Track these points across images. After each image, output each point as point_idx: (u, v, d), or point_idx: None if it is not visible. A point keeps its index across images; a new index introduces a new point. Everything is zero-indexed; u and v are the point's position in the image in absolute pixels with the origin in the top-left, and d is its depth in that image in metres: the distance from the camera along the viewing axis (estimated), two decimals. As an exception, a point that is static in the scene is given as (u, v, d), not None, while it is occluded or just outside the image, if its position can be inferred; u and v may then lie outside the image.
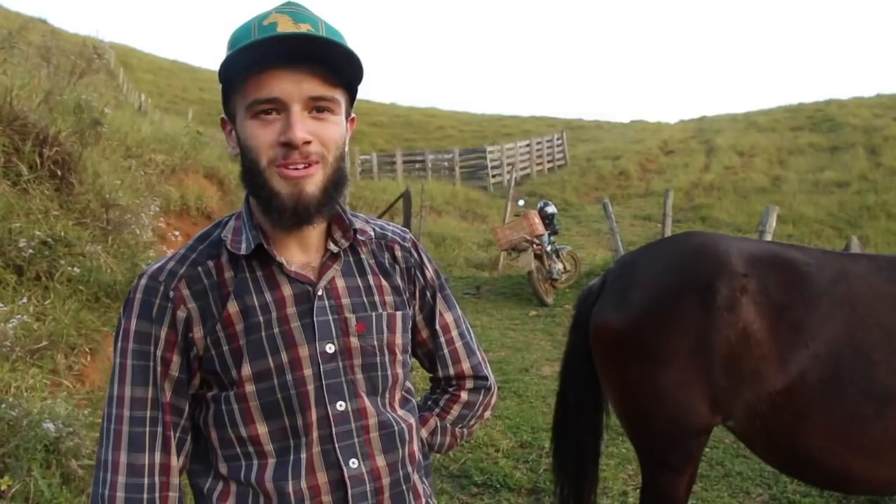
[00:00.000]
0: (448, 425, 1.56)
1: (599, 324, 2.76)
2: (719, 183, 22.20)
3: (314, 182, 1.23)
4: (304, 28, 1.18)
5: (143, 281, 1.27)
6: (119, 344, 1.26)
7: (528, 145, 26.19)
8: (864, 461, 2.46)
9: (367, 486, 1.28)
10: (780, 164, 23.79)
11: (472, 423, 1.60)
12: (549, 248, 11.06)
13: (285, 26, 1.18)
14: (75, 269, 4.54)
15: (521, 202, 13.49)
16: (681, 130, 32.32)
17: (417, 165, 25.26)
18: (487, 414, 1.63)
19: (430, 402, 1.57)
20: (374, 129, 35.55)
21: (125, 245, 5.39)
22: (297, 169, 1.21)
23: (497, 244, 11.87)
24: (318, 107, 1.22)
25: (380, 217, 1.34)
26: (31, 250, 4.32)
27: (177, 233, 6.94)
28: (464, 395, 1.56)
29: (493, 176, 24.32)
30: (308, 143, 1.20)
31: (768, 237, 6.75)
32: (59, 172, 5.23)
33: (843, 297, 2.53)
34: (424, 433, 1.52)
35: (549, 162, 26.95)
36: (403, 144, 31.52)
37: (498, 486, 4.34)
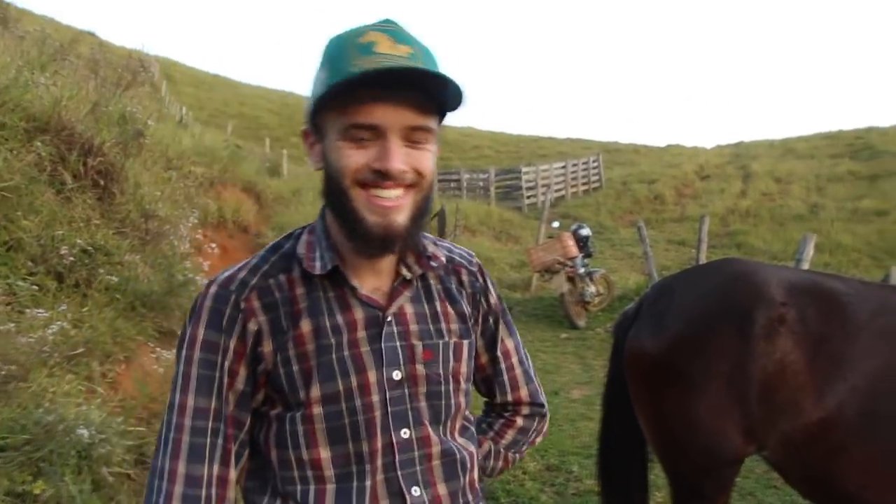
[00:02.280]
0: (502, 450, 1.56)
1: (634, 349, 2.74)
2: (755, 209, 21.94)
3: (403, 212, 1.20)
4: (403, 49, 1.15)
5: (213, 289, 1.25)
6: (184, 351, 1.23)
7: (563, 167, 26.10)
8: (901, 499, 2.40)
9: None
10: (818, 191, 23.46)
11: (523, 447, 1.59)
12: (581, 271, 11.00)
13: (385, 47, 1.14)
14: (113, 277, 4.61)
15: (555, 224, 13.45)
16: (717, 155, 32.05)
17: (452, 184, 25.27)
18: (539, 439, 1.62)
19: (484, 426, 1.57)
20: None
21: (162, 255, 5.47)
22: (389, 197, 1.18)
23: (530, 265, 11.84)
24: (414, 137, 1.19)
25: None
26: (71, 258, 4.39)
27: (213, 245, 7.02)
28: (519, 421, 1.56)
29: (528, 197, 24.26)
30: (404, 172, 1.17)
31: (805, 265, 6.66)
32: (102, 182, 5.32)
33: (883, 329, 2.49)
34: (479, 457, 1.49)
35: (584, 184, 26.84)
36: (439, 163, 31.22)
37: (525, 508, 4.30)
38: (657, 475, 4.59)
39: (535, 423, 1.58)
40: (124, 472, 3.27)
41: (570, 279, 10.68)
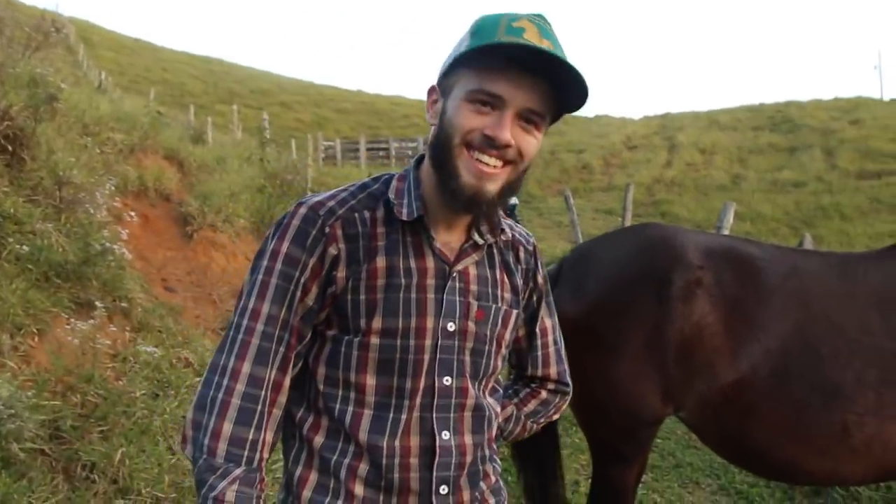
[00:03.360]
0: (522, 417, 1.65)
1: (554, 313, 2.76)
2: (680, 179, 22.46)
3: (496, 182, 1.29)
4: (546, 44, 1.22)
5: (303, 210, 1.34)
6: (265, 261, 1.32)
7: (493, 136, 26.17)
8: (810, 453, 2.50)
9: (453, 458, 1.35)
10: (740, 162, 24.12)
11: (542, 420, 1.69)
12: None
13: (531, 36, 1.22)
14: (24, 247, 4.42)
15: (483, 192, 13.50)
16: (644, 126, 32.59)
17: (381, 153, 25.15)
18: (557, 416, 1.74)
19: (510, 392, 1.66)
20: (338, 116, 35.35)
21: (78, 224, 5.26)
22: (488, 164, 1.27)
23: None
24: (529, 118, 1.28)
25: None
26: (-22, 227, 4.19)
27: (133, 213, 6.79)
28: (544, 394, 1.66)
29: (458, 166, 24.28)
30: (509, 146, 1.26)
31: (725, 233, 6.84)
32: (11, 148, 5.08)
33: (794, 292, 2.57)
34: (500, 419, 1.59)
35: (513, 153, 27.00)
36: (368, 132, 31.36)
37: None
38: (581, 439, 4.69)
39: (557, 399, 1.69)
40: (37, 447, 3.16)
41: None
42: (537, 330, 1.61)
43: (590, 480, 2.88)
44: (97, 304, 4.39)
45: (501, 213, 1.50)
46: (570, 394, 1.71)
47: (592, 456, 2.85)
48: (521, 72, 1.24)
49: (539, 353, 1.62)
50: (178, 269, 7.40)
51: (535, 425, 1.69)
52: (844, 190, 19.22)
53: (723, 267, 2.60)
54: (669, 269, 2.57)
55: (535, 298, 1.58)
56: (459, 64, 1.29)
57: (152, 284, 6.37)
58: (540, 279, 1.58)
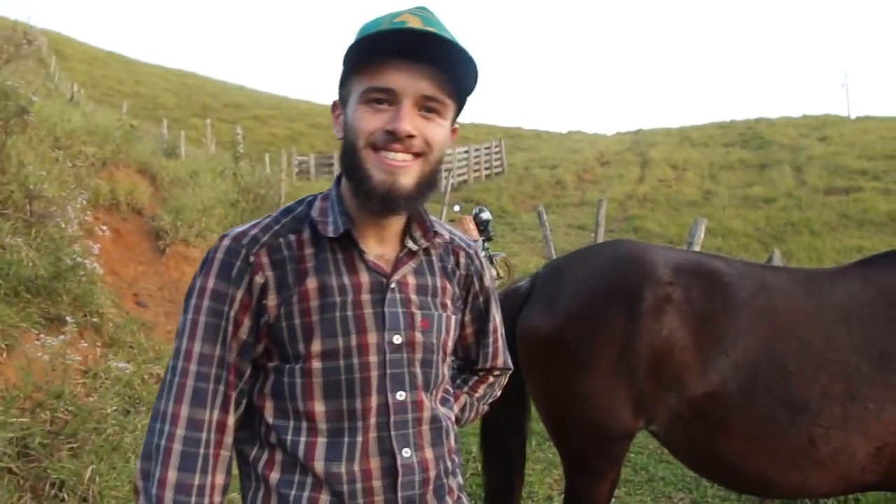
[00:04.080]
0: (475, 402, 1.70)
1: (527, 328, 2.79)
2: (653, 195, 22.66)
3: (410, 175, 1.27)
4: (430, 29, 1.22)
5: (226, 242, 1.31)
6: (193, 300, 1.29)
7: (466, 152, 26.31)
8: (778, 466, 2.53)
9: (416, 476, 1.32)
10: (711, 178, 24.40)
11: (489, 399, 1.74)
12: (482, 254, 11.11)
13: (414, 23, 1.22)
14: (-7, 261, 4.38)
15: (456, 207, 13.56)
16: (617, 142, 32.90)
17: (356, 168, 25.08)
18: (500, 391, 1.77)
19: (458, 381, 1.68)
20: (313, 131, 35.26)
21: (49, 238, 5.21)
22: (395, 159, 1.25)
23: (432, 249, 11.87)
24: (428, 107, 1.27)
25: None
26: (-54, 241, 4.14)
27: (104, 227, 6.74)
28: (491, 378, 1.70)
29: (432, 181, 24.34)
30: (412, 136, 1.24)
31: (696, 248, 6.91)
32: (-20, 161, 5.04)
33: (762, 308, 2.61)
34: (456, 409, 1.60)
35: (486, 169, 27.14)
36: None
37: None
38: (554, 454, 4.71)
39: (501, 379, 1.74)
40: (4, 466, 3.12)
41: (472, 262, 10.78)
42: (489, 328, 1.62)
43: (563, 495, 2.90)
44: (68, 319, 4.35)
45: (438, 220, 1.51)
46: (511, 370, 1.74)
47: (565, 470, 2.87)
48: (409, 61, 1.23)
49: (490, 349, 1.64)
50: (150, 284, 7.35)
51: (485, 406, 1.74)
52: (813, 206, 19.52)
53: (692, 283, 2.64)
54: (640, 286, 2.60)
55: (481, 300, 1.58)
56: (350, 71, 1.29)
57: (124, 299, 6.32)
58: (486, 281, 1.58)
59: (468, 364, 1.68)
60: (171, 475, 1.23)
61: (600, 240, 10.18)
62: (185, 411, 1.25)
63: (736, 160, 25.90)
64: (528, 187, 25.26)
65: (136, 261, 7.50)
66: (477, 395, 1.69)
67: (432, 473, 1.35)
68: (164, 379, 1.30)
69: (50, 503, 3.14)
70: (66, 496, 3.18)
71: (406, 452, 1.31)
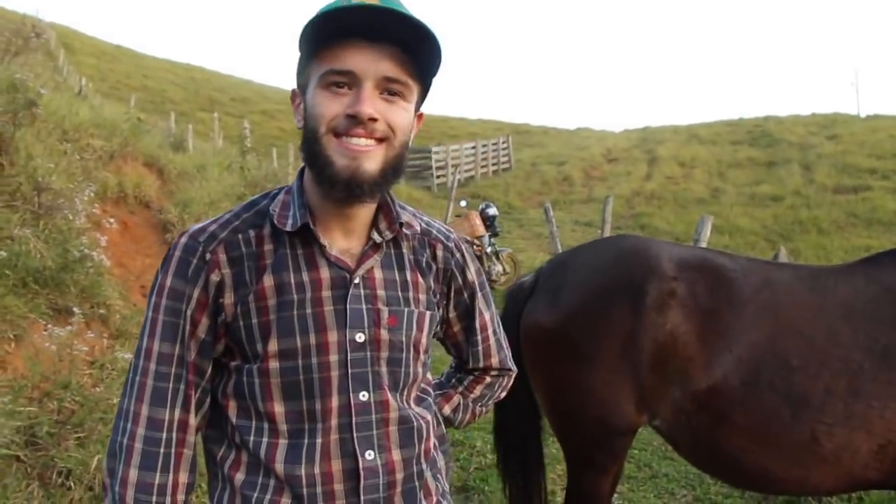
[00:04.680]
0: (470, 403, 1.63)
1: (530, 323, 2.80)
2: (660, 192, 22.60)
3: (374, 159, 1.22)
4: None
5: (183, 239, 1.28)
6: (153, 298, 1.27)
7: (473, 147, 26.30)
8: (781, 462, 2.54)
9: (381, 478, 1.28)
10: (719, 176, 24.31)
11: (489, 402, 1.67)
12: (489, 250, 11.15)
13: (372, 2, 1.17)
14: (2, 252, 4.39)
15: (462, 203, 13.57)
16: (625, 139, 32.82)
17: (363, 163, 25.09)
18: (504, 394, 1.69)
19: (453, 381, 1.64)
20: (320, 125, 35.21)
21: (57, 230, 5.22)
22: (358, 144, 1.20)
23: (438, 244, 11.88)
24: (390, 89, 1.22)
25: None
26: (-45, 232, 4.16)
27: (112, 220, 6.75)
28: (488, 379, 1.63)
29: (438, 177, 24.35)
30: (374, 120, 1.19)
31: (703, 246, 6.90)
32: (-11, 153, 5.06)
33: (766, 304, 2.61)
34: (448, 409, 1.59)
35: (493, 165, 27.12)
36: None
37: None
38: (558, 449, 4.71)
39: (502, 380, 1.66)
40: (12, 454, 3.14)
41: (478, 258, 10.77)
42: (476, 325, 1.54)
43: (565, 490, 2.91)
44: (75, 310, 4.37)
45: (416, 211, 1.47)
46: (515, 371, 1.66)
47: (568, 465, 2.88)
48: (369, 41, 1.18)
49: (480, 347, 1.56)
50: (157, 277, 7.34)
51: (483, 409, 1.66)
52: (821, 204, 19.43)
53: (696, 278, 2.64)
54: (644, 280, 2.61)
55: (465, 295, 1.51)
56: (307, 55, 1.24)
57: (131, 291, 6.34)
58: (470, 276, 1.50)
59: (461, 363, 1.62)
60: (133, 474, 1.22)
61: (606, 236, 10.16)
62: (145, 410, 1.24)
63: (744, 158, 25.81)
64: (535, 183, 25.23)
65: (143, 253, 7.51)
66: (473, 395, 1.62)
67: (399, 476, 1.30)
68: (127, 377, 1.28)
69: (57, 492, 3.17)
70: (72, 485, 3.20)
71: (369, 454, 1.27)
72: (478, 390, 1.63)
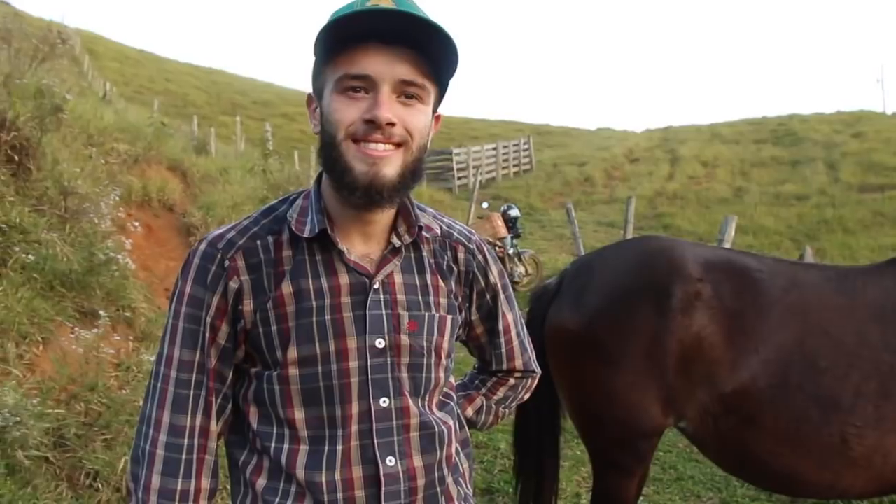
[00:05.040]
0: (493, 405, 1.61)
1: (555, 324, 2.78)
2: (682, 192, 22.44)
3: (392, 165, 1.20)
4: (403, 8, 1.16)
5: (202, 246, 1.28)
6: (173, 305, 1.27)
7: (494, 149, 26.28)
8: (810, 465, 2.51)
9: (402, 485, 1.27)
10: (742, 175, 24.11)
11: (512, 404, 1.65)
12: (511, 251, 11.13)
13: (386, 3, 1.16)
14: (30, 256, 4.45)
15: (484, 204, 13.56)
16: (646, 139, 32.64)
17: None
18: (528, 395, 1.68)
19: (476, 382, 1.62)
20: (342, 127, 35.35)
21: (83, 234, 5.28)
22: (377, 149, 1.19)
23: (460, 245, 11.88)
24: (407, 92, 1.21)
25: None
26: (-16, 236, 4.21)
27: (136, 223, 6.81)
28: (511, 381, 1.61)
29: (459, 178, 24.34)
30: (392, 124, 1.18)
31: (727, 246, 6.84)
32: (17, 158, 5.10)
33: (793, 305, 2.59)
34: (470, 411, 1.57)
35: (515, 166, 27.07)
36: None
37: (453, 485, 4.34)
38: (583, 451, 4.69)
39: (526, 381, 1.64)
40: (41, 455, 3.18)
41: (500, 259, 10.77)
42: (499, 328, 1.52)
43: (591, 493, 2.89)
44: (101, 313, 4.41)
45: (437, 212, 1.46)
46: (539, 373, 1.65)
47: (593, 468, 2.87)
48: (385, 45, 1.17)
49: (503, 349, 1.55)
50: (182, 280, 7.39)
51: (506, 410, 1.64)
52: (847, 203, 19.20)
53: (722, 279, 2.62)
54: (669, 282, 2.59)
55: (488, 297, 1.49)
56: (322, 60, 1.23)
57: (155, 294, 6.39)
58: (492, 277, 1.48)
59: (485, 366, 1.61)
60: (156, 480, 1.23)
61: (629, 237, 10.11)
62: (167, 417, 1.24)
63: (768, 157, 25.58)
64: (556, 184, 25.14)
65: (167, 256, 7.58)
66: (496, 397, 1.61)
67: (420, 482, 1.29)
68: (148, 383, 1.28)
69: (85, 493, 3.20)
70: (100, 486, 3.24)
71: (390, 461, 1.26)
72: (501, 392, 1.61)
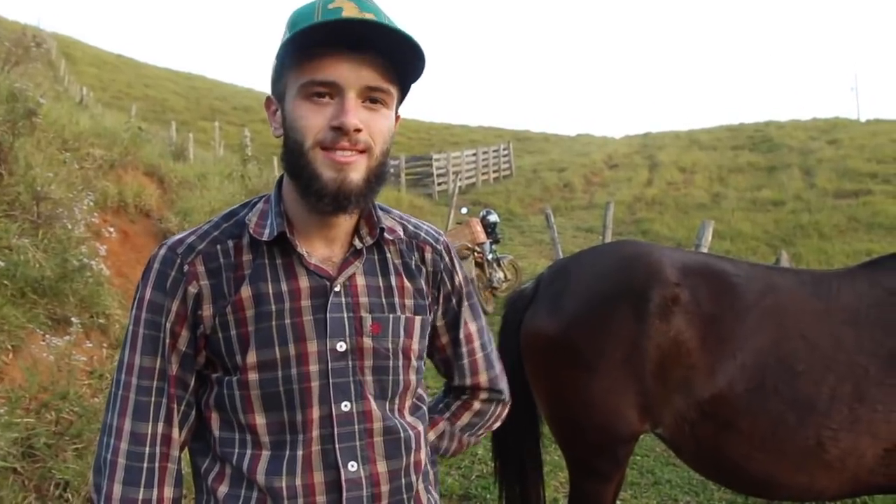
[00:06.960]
0: (457, 431, 1.55)
1: (531, 330, 2.77)
2: (661, 198, 22.57)
3: (358, 170, 1.20)
4: (368, 15, 1.15)
5: (162, 251, 1.27)
6: (134, 311, 1.26)
7: (474, 154, 26.29)
8: (786, 468, 2.51)
9: (364, 490, 1.25)
10: (720, 181, 24.28)
11: (480, 431, 1.59)
12: (490, 257, 11.13)
13: (350, 12, 1.15)
14: (0, 262, 4.38)
15: (463, 210, 13.56)
16: (625, 145, 32.81)
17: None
18: (497, 424, 1.61)
19: (441, 406, 1.56)
20: (321, 133, 35.25)
21: (56, 240, 5.21)
22: (344, 155, 1.18)
23: (439, 251, 11.88)
24: (372, 97, 1.20)
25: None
26: (-47, 242, 4.14)
27: (112, 229, 6.74)
28: (476, 405, 1.55)
29: (439, 184, 24.33)
30: (359, 130, 1.18)
31: (704, 251, 6.88)
32: (-12, 162, 5.05)
33: (769, 309, 2.59)
34: (432, 436, 1.50)
35: (494, 172, 27.10)
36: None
37: (430, 491, 4.32)
38: (560, 456, 4.69)
39: (493, 408, 1.57)
40: (9, 465, 3.11)
41: (479, 265, 10.80)
42: (461, 337, 1.48)
43: (567, 498, 2.88)
44: (73, 320, 4.35)
45: (403, 214, 1.45)
46: (509, 401, 1.59)
47: (570, 473, 2.86)
48: (350, 51, 1.16)
49: (466, 360, 1.49)
50: (158, 286, 7.31)
51: (472, 438, 1.58)
52: (823, 209, 19.39)
53: (699, 284, 2.62)
54: (646, 286, 2.58)
55: (453, 302, 1.46)
56: (285, 64, 1.21)
57: (130, 300, 6.33)
58: (457, 280, 1.45)
59: (450, 383, 1.54)
60: (117, 489, 1.21)
61: (608, 242, 10.15)
62: (128, 425, 1.22)
63: (745, 163, 25.78)
64: (536, 190, 25.20)
65: (143, 262, 7.48)
66: (459, 423, 1.54)
67: (384, 488, 1.26)
68: (110, 391, 1.26)
69: (54, 503, 3.14)
70: (70, 496, 3.18)
71: (352, 466, 1.24)
72: (465, 418, 1.55)
